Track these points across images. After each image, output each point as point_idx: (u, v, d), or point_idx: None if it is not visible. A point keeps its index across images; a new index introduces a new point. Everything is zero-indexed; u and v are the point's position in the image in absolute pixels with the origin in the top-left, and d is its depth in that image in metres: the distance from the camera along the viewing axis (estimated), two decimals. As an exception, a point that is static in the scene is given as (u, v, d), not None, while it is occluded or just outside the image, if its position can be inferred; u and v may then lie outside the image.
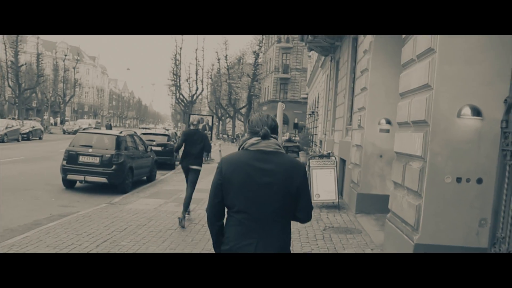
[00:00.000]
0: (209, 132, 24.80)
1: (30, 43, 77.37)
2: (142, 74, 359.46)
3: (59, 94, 68.14)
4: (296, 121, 47.34)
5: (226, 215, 2.85)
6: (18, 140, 31.80)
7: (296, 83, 56.77)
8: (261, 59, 53.58)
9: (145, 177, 14.74)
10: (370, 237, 7.87)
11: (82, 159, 12.06)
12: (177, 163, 20.41)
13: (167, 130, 21.05)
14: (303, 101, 51.28)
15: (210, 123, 25.25)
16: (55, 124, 61.37)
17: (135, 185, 13.49)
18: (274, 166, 2.71)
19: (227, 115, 64.00)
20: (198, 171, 9.62)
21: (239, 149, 2.86)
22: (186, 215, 8.93)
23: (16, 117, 54.46)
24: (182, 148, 9.43)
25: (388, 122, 9.27)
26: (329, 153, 14.55)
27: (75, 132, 52.19)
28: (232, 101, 54.41)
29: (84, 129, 14.56)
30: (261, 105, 62.42)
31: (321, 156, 14.68)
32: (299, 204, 2.78)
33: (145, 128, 20.38)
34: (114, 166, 12.03)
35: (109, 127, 33.29)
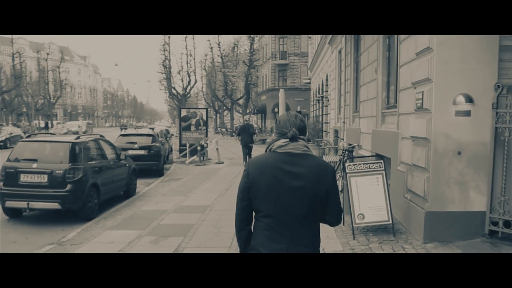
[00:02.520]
0: (204, 127, 21.47)
1: (16, 45, 73.89)
2: (136, 71, 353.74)
3: (43, 95, 64.57)
4: (298, 109, 43.91)
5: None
6: (-7, 149, 28.45)
7: (295, 69, 53.41)
8: (257, 44, 49.93)
9: (122, 192, 11.44)
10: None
11: (24, 178, 8.74)
12: (168, 166, 17.24)
13: (152, 129, 17.45)
14: (304, 87, 48.25)
15: (204, 117, 21.85)
16: (46, 127, 57.76)
17: (105, 206, 10.18)
18: (303, 169, 2.64)
19: (224, 107, 60.49)
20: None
21: (266, 150, 2.80)
22: None
23: (5, 123, 51.05)
24: None
25: (469, 99, 5.94)
26: (353, 147, 11.28)
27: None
28: (228, 91, 50.85)
29: (28, 136, 11.00)
30: (260, 94, 59.05)
31: (345, 151, 11.41)
32: (329, 207, 2.73)
33: (124, 129, 16.82)
34: (69, 186, 8.72)
35: (124, 128, 29.10)
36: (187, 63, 49.76)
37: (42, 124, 68.96)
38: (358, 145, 11.49)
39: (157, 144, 15.95)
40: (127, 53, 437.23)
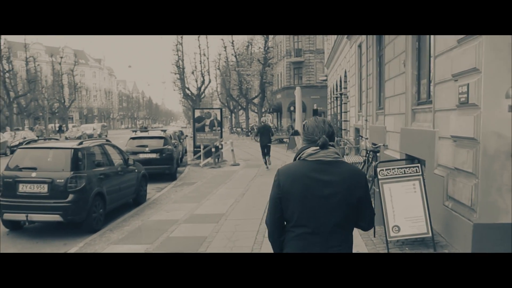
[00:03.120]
0: (218, 128, 20.71)
1: (32, 50, 74.11)
2: (151, 72, 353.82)
3: (58, 99, 64.51)
4: (315, 107, 43.04)
5: None
6: (6, 154, 27.98)
7: (311, 66, 52.45)
8: (271, 42, 48.99)
9: (131, 199, 10.72)
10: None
11: (22, 188, 8.03)
12: (181, 170, 16.46)
13: (164, 131, 16.72)
14: (320, 85, 47.33)
15: (218, 117, 21.09)
16: (61, 131, 57.54)
17: (111, 216, 9.47)
18: (335, 177, 2.59)
19: (239, 107, 59.68)
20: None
21: (295, 159, 2.75)
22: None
23: (21, 127, 50.85)
24: None
25: (525, 92, 5.05)
26: (378, 147, 10.41)
27: (78, 139, 48.83)
28: (243, 91, 50.03)
29: (28, 142, 10.32)
30: (275, 93, 58.18)
31: (370, 152, 10.53)
32: (362, 214, 2.68)
33: (134, 132, 16.07)
34: (71, 196, 7.99)
35: (144, 130, 27.93)
36: (200, 63, 49.04)
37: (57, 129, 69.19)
38: (383, 145, 10.62)
39: (169, 147, 15.19)
40: (141, 55, 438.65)
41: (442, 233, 6.41)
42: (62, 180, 8.00)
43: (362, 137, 11.14)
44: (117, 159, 10.12)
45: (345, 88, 21.28)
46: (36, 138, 35.67)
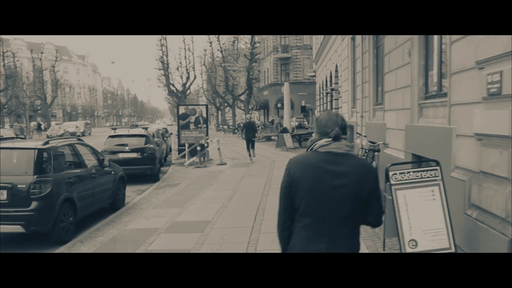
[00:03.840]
0: (204, 125, 19.73)
1: (13, 46, 72.06)
2: (136, 69, 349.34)
3: (39, 96, 62.82)
4: (303, 104, 42.12)
5: None
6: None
7: (298, 62, 51.74)
8: (258, 37, 48.02)
9: (108, 204, 9.72)
10: None
11: (-22, 195, 7.02)
12: (165, 169, 15.43)
13: (145, 129, 15.61)
14: (308, 81, 46.69)
15: (204, 114, 20.09)
16: (40, 129, 55.85)
17: (84, 224, 8.48)
18: (346, 169, 2.61)
19: (225, 104, 58.62)
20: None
21: (307, 150, 2.78)
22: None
23: (1, 125, 49.23)
24: None
25: None
26: (376, 145, 9.57)
27: (60, 137, 47.23)
28: (229, 87, 49.00)
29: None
30: (262, 90, 57.29)
31: (368, 151, 9.65)
32: (370, 209, 2.70)
33: (113, 129, 14.90)
34: (34, 203, 6.98)
35: (134, 127, 26.38)
36: (185, 58, 47.90)
37: (43, 127, 67.51)
38: (383, 143, 9.76)
39: (151, 146, 14.15)
40: (126, 51, 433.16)
41: (463, 247, 5.53)
42: (24, 186, 6.99)
43: (359, 134, 10.27)
44: (90, 160, 9.12)
45: (337, 83, 20.42)
46: (14, 136, 34.43)
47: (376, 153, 9.47)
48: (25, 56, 72.71)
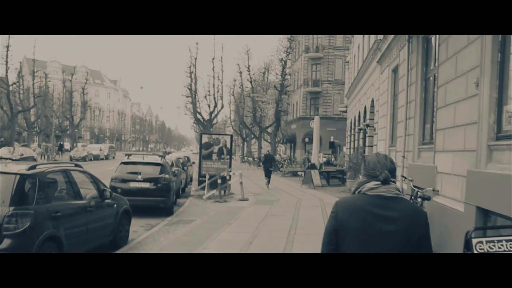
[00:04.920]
0: (227, 156, 18.45)
1: (50, 68, 73.14)
2: (167, 96, 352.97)
3: (66, 117, 62.97)
4: (332, 140, 40.58)
5: None
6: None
7: (328, 97, 50.40)
8: (289, 68, 47.03)
9: (107, 242, 8.38)
10: None
11: None
12: (182, 201, 13.94)
13: (162, 156, 14.27)
14: (337, 116, 45.29)
15: (228, 144, 18.84)
16: (62, 149, 55.43)
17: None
18: (396, 213, 2.51)
19: (252, 136, 57.45)
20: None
21: (354, 192, 2.70)
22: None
23: (27, 144, 48.98)
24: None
25: None
26: (424, 191, 8.08)
27: (83, 159, 46.69)
28: (257, 118, 47.88)
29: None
30: (289, 123, 56.02)
31: (415, 198, 8.12)
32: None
33: (127, 156, 13.66)
34: (7, 242, 5.65)
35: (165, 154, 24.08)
36: (213, 86, 47.12)
37: (66, 146, 67.42)
38: (433, 190, 8.22)
39: (166, 176, 12.84)
40: (157, 79, 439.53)
41: None
42: (-6, 223, 5.70)
43: (404, 178, 8.77)
44: (89, 190, 7.84)
45: (372, 119, 18.93)
46: (35, 155, 33.70)
47: (424, 201, 7.95)
48: (59, 78, 73.66)
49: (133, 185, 12.28)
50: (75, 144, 62.71)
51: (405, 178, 8.86)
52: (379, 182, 2.54)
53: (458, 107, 7.30)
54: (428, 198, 7.84)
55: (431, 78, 9.56)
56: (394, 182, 2.61)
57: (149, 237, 9.89)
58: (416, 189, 8.30)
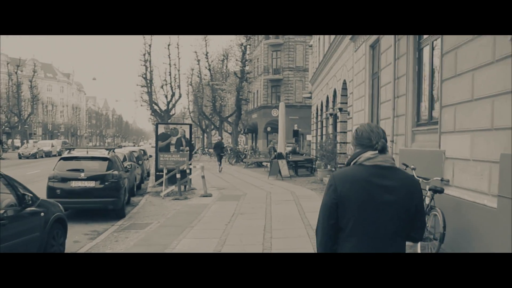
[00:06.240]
0: (187, 147, 16.61)
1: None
2: (124, 89, 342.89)
3: (14, 112, 59.24)
4: (295, 128, 39.17)
5: None
6: None
7: (290, 85, 48.92)
8: (249, 55, 45.26)
9: (35, 260, 6.46)
10: None
11: None
12: (136, 200, 12.01)
13: (110, 150, 12.17)
14: (300, 104, 44.09)
15: (187, 135, 16.97)
16: (1, 146, 51.83)
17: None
18: (395, 183, 2.47)
19: (212, 126, 55.46)
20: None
21: (348, 164, 2.60)
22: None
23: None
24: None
25: None
26: (430, 181, 6.58)
27: (33, 156, 43.61)
28: (217, 108, 45.97)
29: None
30: (250, 113, 54.31)
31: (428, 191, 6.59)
32: (416, 224, 2.56)
33: (68, 150, 11.64)
34: None
35: (115, 147, 22.25)
36: (169, 75, 44.79)
37: (17, 143, 63.55)
38: (441, 180, 6.71)
39: (115, 173, 10.86)
40: (113, 71, 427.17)
41: None
42: None
43: (405, 166, 7.23)
44: (4, 196, 5.92)
45: (345, 103, 17.42)
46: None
47: (436, 195, 6.42)
48: (6, 71, 69.51)
49: (75, 184, 10.31)
50: (25, 141, 59.04)
51: (407, 166, 7.28)
52: (376, 152, 2.47)
53: (479, 75, 5.76)
54: (441, 191, 6.31)
55: (428, 46, 8.05)
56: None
57: (93, 248, 8.00)
58: (421, 179, 6.75)
